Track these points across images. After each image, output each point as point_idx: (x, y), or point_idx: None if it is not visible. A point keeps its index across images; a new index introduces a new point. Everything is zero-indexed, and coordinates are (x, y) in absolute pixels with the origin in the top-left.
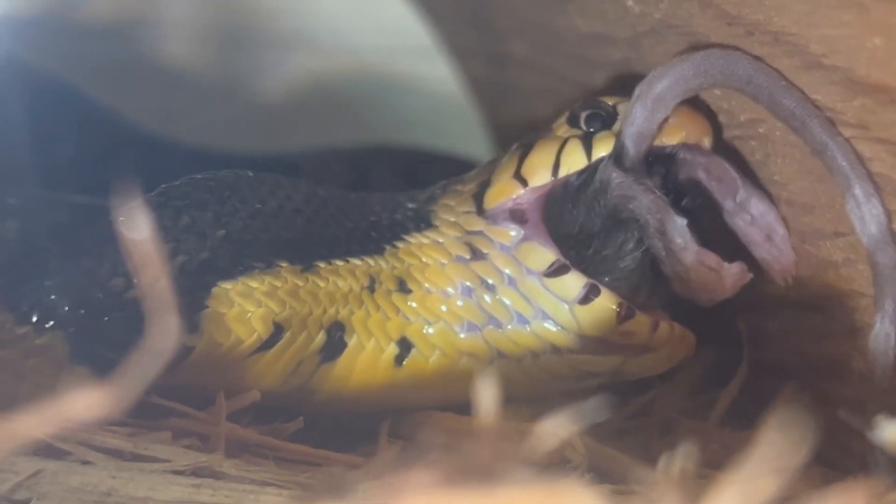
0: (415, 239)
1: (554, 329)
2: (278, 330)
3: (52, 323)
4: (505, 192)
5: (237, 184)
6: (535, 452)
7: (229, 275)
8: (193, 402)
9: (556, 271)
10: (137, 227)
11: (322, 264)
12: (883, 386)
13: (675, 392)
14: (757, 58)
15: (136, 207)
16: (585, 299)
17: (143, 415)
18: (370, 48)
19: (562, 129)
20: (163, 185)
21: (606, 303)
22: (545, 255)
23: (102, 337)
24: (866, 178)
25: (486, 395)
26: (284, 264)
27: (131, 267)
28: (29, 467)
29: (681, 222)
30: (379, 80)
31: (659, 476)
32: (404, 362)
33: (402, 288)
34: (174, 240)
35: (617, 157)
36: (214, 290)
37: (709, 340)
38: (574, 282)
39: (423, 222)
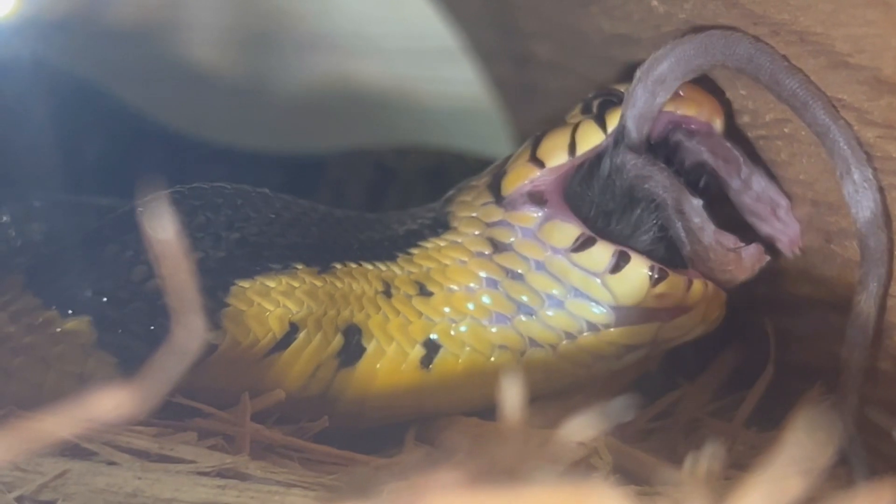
0: (431, 243)
1: (588, 305)
2: (293, 329)
3: (77, 309)
4: (522, 176)
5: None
6: (560, 453)
7: (247, 274)
8: (217, 405)
9: (582, 245)
10: (161, 224)
11: (338, 265)
12: (860, 363)
13: (700, 392)
14: (757, 38)
15: (160, 205)
16: (616, 268)
17: (168, 415)
18: (395, 50)
19: (576, 117)
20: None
21: (638, 267)
22: (569, 230)
23: (126, 325)
24: (865, 162)
25: (512, 396)
26: (301, 266)
27: (155, 264)
28: (55, 468)
29: (696, 202)
30: (404, 81)
31: (685, 477)
32: (433, 364)
33: (423, 291)
34: (192, 238)
35: (619, 138)
36: (233, 288)
37: (735, 340)
38: (603, 252)
39: (440, 226)
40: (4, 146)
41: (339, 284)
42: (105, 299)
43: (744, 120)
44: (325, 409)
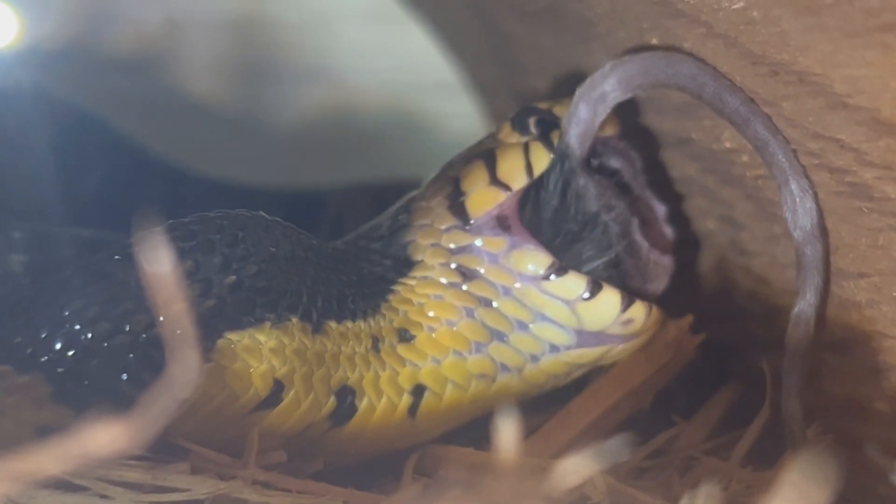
0: (402, 285)
1: (554, 329)
2: (279, 387)
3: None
4: (489, 199)
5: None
6: (555, 490)
7: (237, 325)
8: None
9: (555, 273)
10: (158, 258)
11: (333, 324)
12: (800, 370)
13: (696, 430)
14: (699, 58)
15: (158, 239)
16: (589, 296)
17: (162, 455)
18: (394, 84)
19: (514, 137)
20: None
21: (610, 296)
22: (541, 258)
23: (88, 377)
24: (802, 174)
25: (507, 430)
26: (294, 319)
27: (151, 300)
28: (49, 502)
29: (661, 208)
30: (403, 116)
31: None
32: (418, 409)
33: (404, 337)
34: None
35: (562, 156)
36: (220, 341)
37: (731, 379)
38: (576, 281)
39: (404, 262)
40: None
41: (329, 345)
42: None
43: (742, 160)
44: (311, 454)
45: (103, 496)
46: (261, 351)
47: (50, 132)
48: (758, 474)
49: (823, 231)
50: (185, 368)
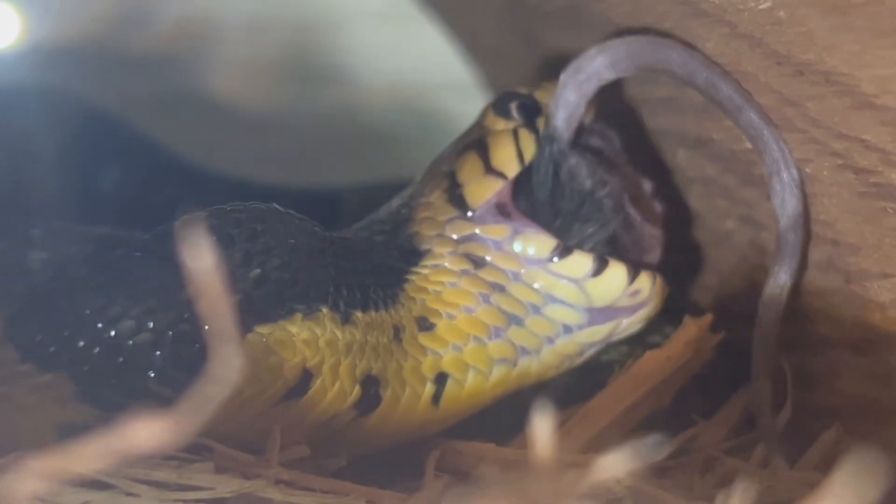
0: (416, 274)
1: (565, 309)
2: (307, 377)
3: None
4: (488, 188)
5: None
6: (591, 488)
7: (266, 318)
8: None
9: (560, 254)
10: (200, 252)
11: (359, 314)
12: (769, 349)
13: (716, 430)
14: (688, 44)
15: (199, 232)
16: (596, 272)
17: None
18: (409, 84)
19: (499, 124)
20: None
21: (616, 270)
22: (545, 241)
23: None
24: (793, 166)
25: (542, 427)
26: (325, 310)
27: (192, 294)
28: (75, 499)
29: (648, 184)
30: (417, 116)
31: None
32: (441, 398)
33: (424, 326)
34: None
35: (551, 139)
36: (249, 336)
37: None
38: (583, 259)
39: (412, 252)
40: (21, 175)
41: (357, 335)
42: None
43: None
44: (335, 448)
45: (129, 494)
46: (294, 343)
47: (68, 130)
48: (778, 475)
49: (806, 220)
50: (226, 364)
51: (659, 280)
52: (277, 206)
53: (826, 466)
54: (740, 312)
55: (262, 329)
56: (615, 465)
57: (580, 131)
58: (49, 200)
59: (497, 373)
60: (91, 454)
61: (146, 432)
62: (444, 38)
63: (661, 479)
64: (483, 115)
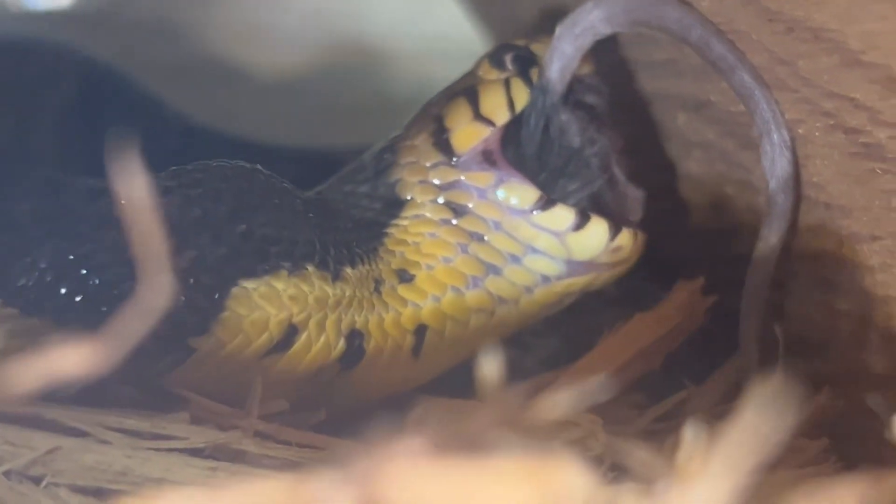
0: (395, 226)
1: (545, 260)
2: (293, 331)
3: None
4: (474, 135)
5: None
6: (534, 426)
7: (252, 273)
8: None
9: (542, 206)
10: (132, 182)
11: (349, 270)
12: (757, 310)
13: (707, 395)
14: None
15: (131, 164)
16: (577, 227)
17: (161, 406)
18: (427, 53)
19: (493, 73)
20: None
21: (598, 226)
22: (528, 192)
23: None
24: (784, 127)
25: (489, 372)
26: (311, 268)
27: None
28: (46, 443)
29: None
30: (435, 85)
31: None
32: (421, 349)
33: (404, 278)
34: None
35: (543, 91)
36: (235, 289)
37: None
38: (565, 213)
39: (395, 202)
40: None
41: (348, 291)
42: None
43: None
44: (316, 401)
45: (102, 441)
46: (280, 298)
47: (78, 89)
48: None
49: (797, 183)
50: (155, 290)
51: (640, 236)
52: (260, 168)
53: (816, 432)
54: (737, 278)
55: (248, 283)
56: (557, 404)
57: (576, 84)
58: (56, 157)
59: (475, 323)
60: (15, 378)
61: (71, 356)
62: (459, 5)
63: (648, 442)
64: (477, 65)
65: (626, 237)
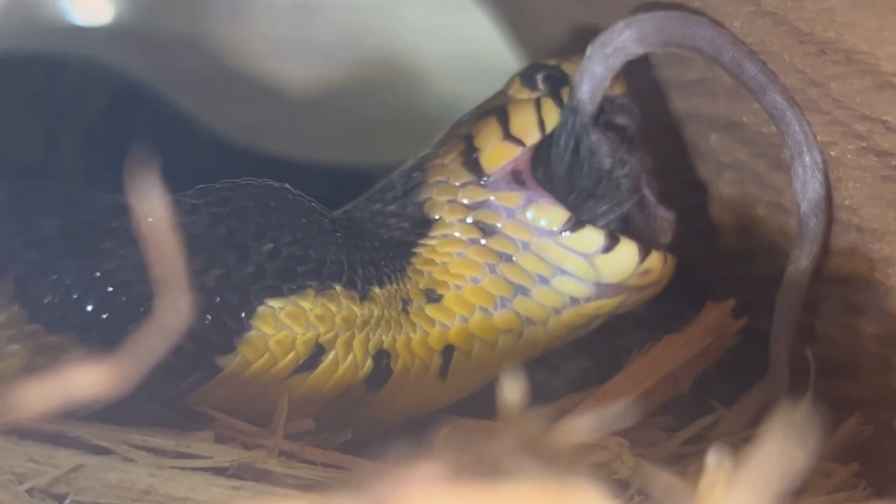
0: (424, 246)
1: (574, 282)
2: (320, 351)
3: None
4: (504, 154)
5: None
6: (560, 449)
7: (279, 292)
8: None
9: (571, 228)
10: (150, 201)
11: (377, 290)
12: (789, 333)
13: (736, 418)
14: (717, 22)
15: (151, 184)
16: (606, 249)
17: (186, 424)
18: (459, 70)
19: (523, 93)
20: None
21: (628, 249)
22: (557, 213)
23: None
24: (817, 149)
25: (511, 395)
26: (338, 287)
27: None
28: (69, 461)
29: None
30: (467, 101)
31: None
32: (448, 370)
33: (432, 298)
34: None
35: (574, 112)
36: (261, 308)
37: None
38: (594, 235)
39: (424, 221)
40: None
41: (376, 311)
42: None
43: None
44: (341, 421)
45: (126, 459)
46: (307, 318)
47: (107, 105)
48: None
49: (828, 205)
50: (172, 310)
51: (670, 260)
52: (288, 187)
53: (846, 457)
54: (767, 301)
55: (274, 302)
56: (580, 429)
57: (607, 105)
58: (84, 173)
59: (502, 344)
60: (37, 396)
61: (90, 376)
62: (493, 23)
63: (676, 466)
64: (508, 84)
65: (655, 260)
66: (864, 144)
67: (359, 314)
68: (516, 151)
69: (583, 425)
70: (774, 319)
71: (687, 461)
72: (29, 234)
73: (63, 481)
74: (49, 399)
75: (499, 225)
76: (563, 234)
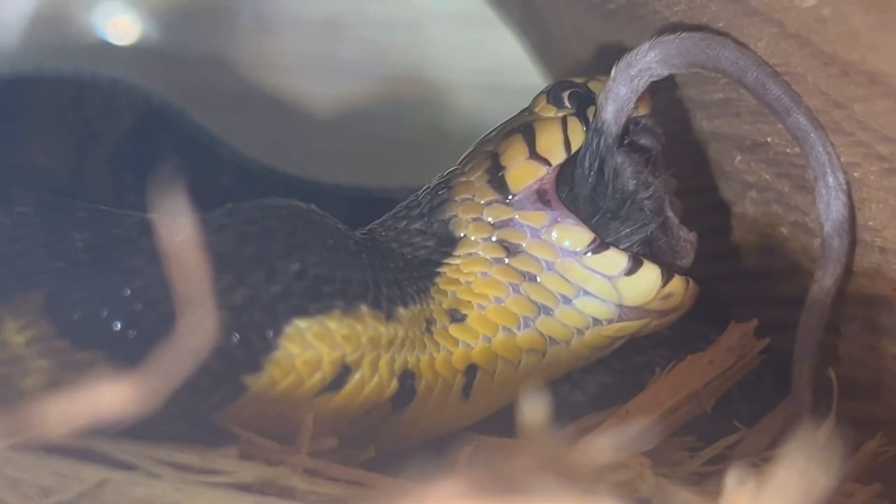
0: (448, 266)
1: (597, 303)
2: (346, 371)
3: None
4: (530, 174)
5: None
6: (581, 468)
7: (305, 312)
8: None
9: (595, 249)
10: (175, 220)
11: (402, 310)
12: (812, 353)
13: (758, 438)
14: (741, 43)
15: (177, 202)
16: (629, 272)
17: (211, 440)
18: (485, 86)
19: (550, 111)
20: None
21: (650, 272)
22: (581, 234)
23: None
24: (841, 170)
25: (533, 413)
26: (364, 307)
27: (167, 264)
28: (94, 476)
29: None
30: (493, 118)
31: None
32: (472, 390)
33: (455, 317)
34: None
35: (598, 132)
36: (288, 328)
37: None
38: (617, 257)
39: (448, 240)
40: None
41: (401, 331)
42: None
43: None
44: (367, 440)
45: (151, 474)
46: (333, 338)
47: (135, 124)
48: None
49: (852, 226)
50: (196, 330)
51: (692, 285)
52: (315, 207)
53: (868, 477)
54: (790, 321)
55: (301, 322)
56: (603, 448)
57: (632, 126)
58: (112, 191)
59: (525, 363)
60: (62, 412)
61: (113, 394)
62: (519, 41)
63: (698, 485)
64: (535, 102)
65: (678, 284)
66: (886, 166)
67: (384, 334)
68: (542, 171)
69: (605, 444)
70: (797, 340)
71: (709, 481)
72: (58, 251)
73: (88, 496)
74: (76, 415)
75: (523, 244)
76: (587, 255)
